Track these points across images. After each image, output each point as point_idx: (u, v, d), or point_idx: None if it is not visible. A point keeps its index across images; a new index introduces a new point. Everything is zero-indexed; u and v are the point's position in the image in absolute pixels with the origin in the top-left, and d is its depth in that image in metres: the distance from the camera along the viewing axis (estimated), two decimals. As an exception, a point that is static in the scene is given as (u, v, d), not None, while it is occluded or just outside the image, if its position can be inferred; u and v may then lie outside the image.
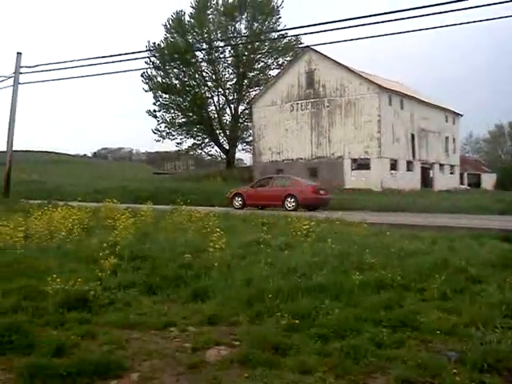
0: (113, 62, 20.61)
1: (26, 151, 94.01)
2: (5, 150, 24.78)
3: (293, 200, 21.51)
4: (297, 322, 5.17)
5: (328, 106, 40.98)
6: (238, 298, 6.14)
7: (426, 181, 45.88)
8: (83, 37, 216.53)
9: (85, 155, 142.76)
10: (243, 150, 58.16)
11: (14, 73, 23.75)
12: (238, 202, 23.32)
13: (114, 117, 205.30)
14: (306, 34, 43.52)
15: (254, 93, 52.79)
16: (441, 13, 13.14)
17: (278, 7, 52.13)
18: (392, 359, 4.34)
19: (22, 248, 8.43)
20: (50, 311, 5.71)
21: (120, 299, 6.29)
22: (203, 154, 60.73)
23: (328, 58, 40.63)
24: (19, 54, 23.97)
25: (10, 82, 23.89)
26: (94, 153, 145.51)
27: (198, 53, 53.45)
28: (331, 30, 15.64)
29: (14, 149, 24.99)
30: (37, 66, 23.06)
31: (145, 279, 7.15)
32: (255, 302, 5.88)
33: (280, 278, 6.65)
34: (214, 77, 54.53)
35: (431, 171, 47.55)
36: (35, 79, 24.96)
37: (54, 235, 9.87)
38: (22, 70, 23.85)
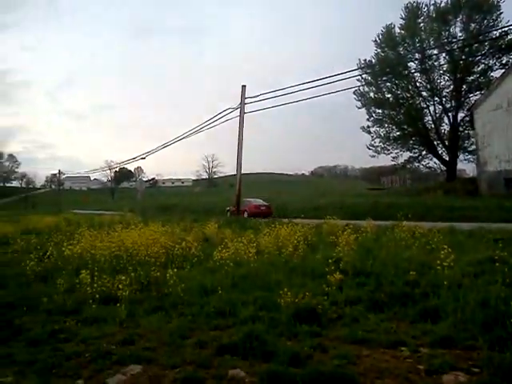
0: (327, 83, 21.30)
1: (251, 173, 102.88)
2: (234, 173, 27.48)
3: (246, 212, 33.48)
4: (550, 352, 4.53)
5: None
6: (473, 320, 5.67)
7: None
8: (293, 63, 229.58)
9: (303, 174, 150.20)
10: (465, 160, 53.90)
11: (240, 104, 26.30)
12: (228, 213, 35.93)
13: (328, 135, 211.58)
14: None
15: (474, 98, 48.74)
16: None
17: (498, 2, 47.35)
18: None
19: (255, 262, 9.16)
20: (283, 322, 6.08)
21: (347, 314, 6.39)
22: (420, 167, 58.06)
23: None
24: (243, 86, 26.45)
25: (237, 112, 26.54)
26: (311, 171, 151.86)
27: (410, 64, 51.90)
28: None
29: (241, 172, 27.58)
30: (258, 95, 25.22)
31: (370, 295, 7.13)
32: (494, 326, 5.35)
33: (523, 301, 5.92)
34: (428, 86, 52.09)
35: None
36: (256, 107, 26.94)
37: (281, 250, 10.52)
38: (246, 101, 26.28)
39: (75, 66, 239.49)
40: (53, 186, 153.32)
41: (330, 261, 8.34)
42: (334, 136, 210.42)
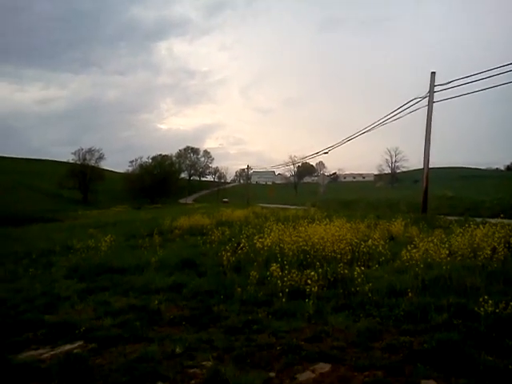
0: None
1: (437, 168, 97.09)
2: (418, 167, 26.00)
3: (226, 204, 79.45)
4: None
5: None
6: None
7: None
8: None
9: (497, 169, 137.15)
10: None
11: (429, 92, 24.74)
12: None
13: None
14: None
15: None
16: None
17: None
18: None
19: (447, 264, 8.52)
20: (482, 333, 5.55)
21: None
22: None
23: None
24: (433, 73, 24.77)
25: (425, 101, 25.04)
26: (507, 166, 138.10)
27: None
28: None
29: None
30: (450, 82, 23.37)
31: None
32: None
33: None
34: None
35: None
36: (448, 96, 24.72)
37: (476, 253, 9.62)
38: (435, 89, 24.61)
39: (266, 62, 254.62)
40: (241, 181, 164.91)
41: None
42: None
